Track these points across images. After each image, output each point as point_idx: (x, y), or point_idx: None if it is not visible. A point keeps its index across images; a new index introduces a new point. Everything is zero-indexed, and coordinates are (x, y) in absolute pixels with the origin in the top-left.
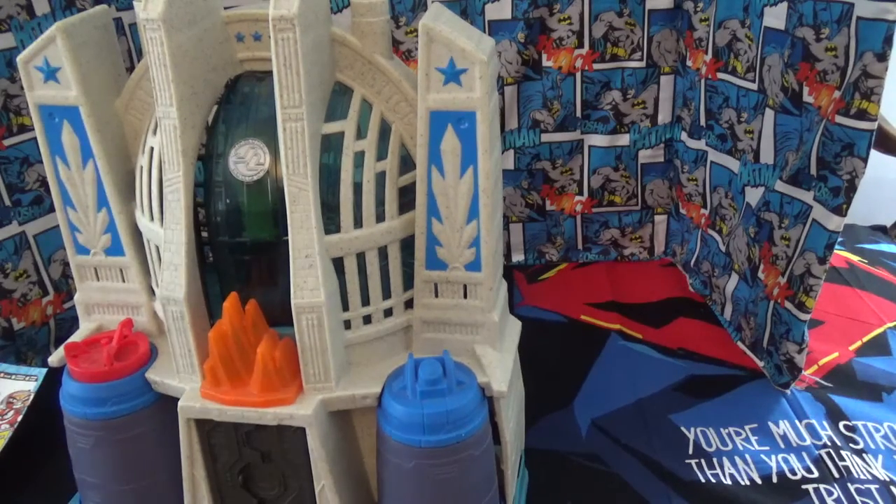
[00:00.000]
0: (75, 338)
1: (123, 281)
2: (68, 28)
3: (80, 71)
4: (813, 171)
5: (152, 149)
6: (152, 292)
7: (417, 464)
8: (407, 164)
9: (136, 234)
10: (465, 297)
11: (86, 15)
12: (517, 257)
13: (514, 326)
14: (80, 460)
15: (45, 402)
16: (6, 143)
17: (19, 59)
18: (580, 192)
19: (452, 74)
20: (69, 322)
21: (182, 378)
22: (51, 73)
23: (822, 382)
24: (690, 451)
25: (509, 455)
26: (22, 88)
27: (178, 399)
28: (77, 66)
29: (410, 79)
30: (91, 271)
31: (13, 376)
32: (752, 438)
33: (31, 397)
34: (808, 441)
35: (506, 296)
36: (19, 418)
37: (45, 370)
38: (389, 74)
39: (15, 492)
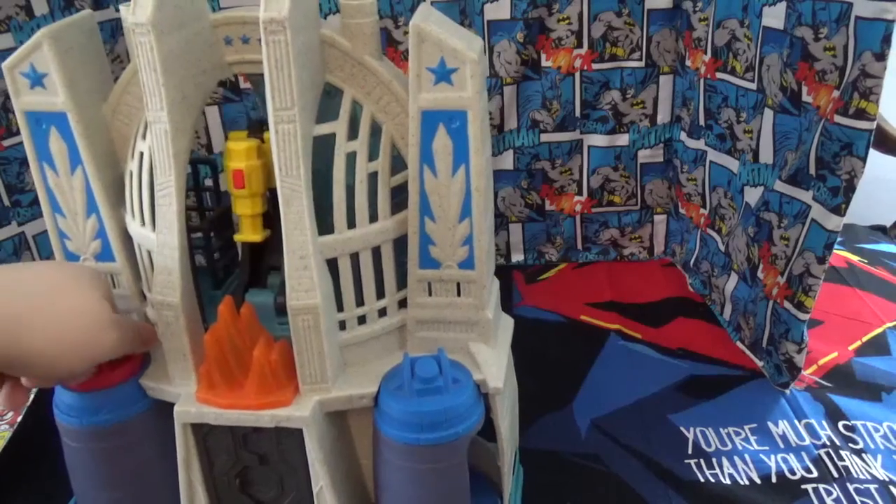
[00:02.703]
0: None
1: (114, 286)
2: (55, 33)
3: (67, 77)
4: (812, 170)
5: (142, 153)
6: (144, 297)
7: (415, 462)
8: (398, 164)
9: (126, 240)
10: (459, 295)
11: (72, 20)
12: (517, 257)
13: (507, 323)
14: (76, 468)
15: (44, 402)
16: (5, 143)
17: (4, 65)
18: (580, 192)
19: (443, 74)
20: None
21: (177, 383)
22: (37, 80)
23: (822, 382)
24: (690, 451)
25: (505, 451)
26: None
27: (173, 404)
28: (64, 71)
29: (400, 79)
30: None
31: None
32: (752, 438)
33: (31, 398)
34: (808, 441)
35: (498, 293)
36: (19, 419)
37: None
38: (379, 75)
39: (14, 492)
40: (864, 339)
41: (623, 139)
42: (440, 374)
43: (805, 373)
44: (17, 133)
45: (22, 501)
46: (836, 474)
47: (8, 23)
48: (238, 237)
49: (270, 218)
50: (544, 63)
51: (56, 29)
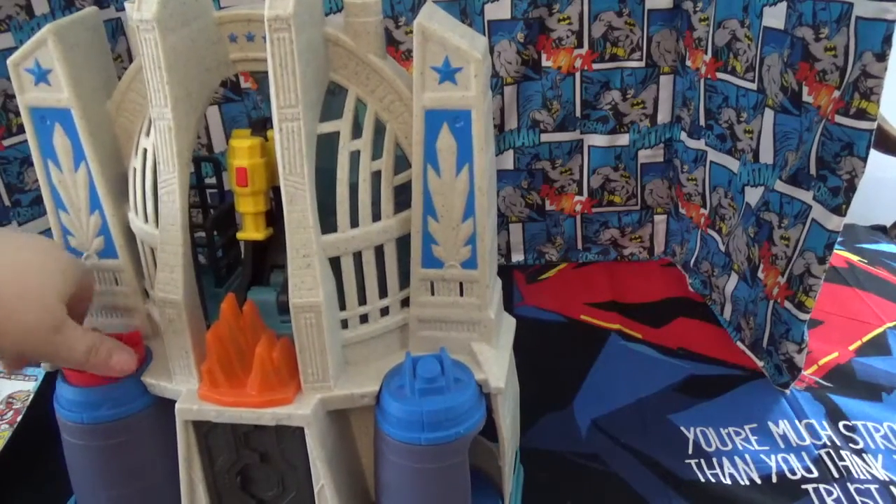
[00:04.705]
0: None
1: (117, 284)
2: (60, 30)
3: (72, 73)
4: (812, 170)
5: (145, 150)
6: (146, 294)
7: (416, 461)
8: (401, 163)
9: (129, 237)
10: (462, 294)
11: (77, 17)
12: (517, 257)
13: (510, 324)
14: (76, 465)
15: (45, 402)
16: (6, 143)
17: (9, 61)
18: (580, 192)
19: (447, 73)
20: None
21: (179, 380)
22: (42, 76)
23: (822, 382)
24: (690, 451)
25: (506, 451)
26: None
27: (174, 401)
28: (69, 68)
29: (404, 78)
30: None
31: (13, 376)
32: (752, 438)
33: (31, 397)
34: (808, 441)
35: (501, 293)
36: (19, 418)
37: (44, 370)
38: (383, 74)
39: (14, 491)
40: (865, 339)
41: (623, 139)
42: (442, 373)
43: (805, 373)
44: (17, 133)
45: (21, 501)
46: (836, 474)
47: (8, 22)
48: (241, 235)
49: (273, 216)
50: (545, 63)
51: (61, 25)
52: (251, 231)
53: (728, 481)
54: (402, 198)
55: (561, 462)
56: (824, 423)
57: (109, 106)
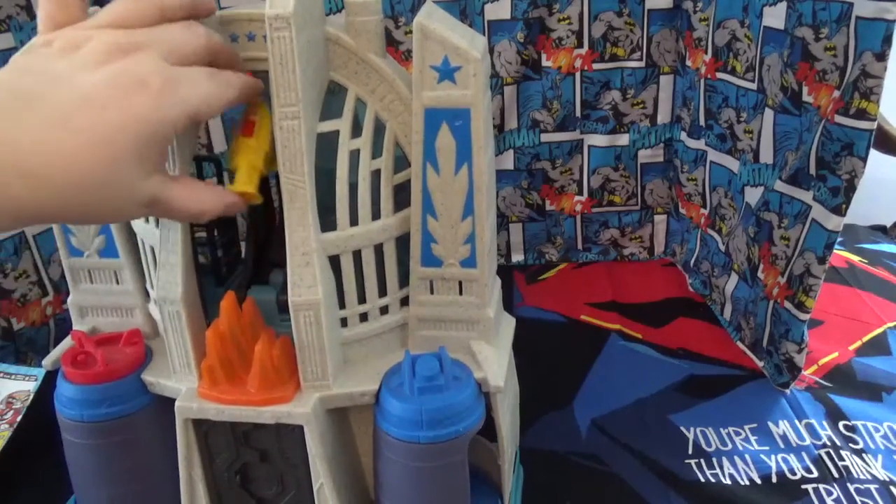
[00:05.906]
0: (64, 345)
1: (117, 283)
2: None
3: None
4: (812, 170)
5: None
6: (146, 294)
7: (415, 459)
8: (401, 162)
9: (130, 236)
10: (461, 293)
11: None
12: (517, 257)
13: (509, 323)
14: (76, 463)
15: (45, 402)
16: None
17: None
18: (580, 192)
19: (447, 72)
20: (69, 322)
21: (179, 378)
22: None
23: (822, 382)
24: (690, 451)
25: (506, 450)
26: None
27: (174, 400)
28: None
29: (404, 77)
30: (85, 273)
31: (13, 376)
32: (752, 438)
33: (31, 397)
34: (808, 441)
35: (500, 292)
36: (19, 418)
37: (44, 370)
38: (383, 73)
39: (14, 492)
40: (865, 339)
41: (623, 139)
42: (441, 372)
43: (805, 373)
44: None
45: (22, 500)
46: (836, 474)
47: (8, 22)
48: (232, 188)
49: (274, 214)
50: (545, 63)
51: None
52: (244, 183)
53: (728, 481)
54: (402, 196)
55: (561, 462)
56: (824, 423)
57: None
